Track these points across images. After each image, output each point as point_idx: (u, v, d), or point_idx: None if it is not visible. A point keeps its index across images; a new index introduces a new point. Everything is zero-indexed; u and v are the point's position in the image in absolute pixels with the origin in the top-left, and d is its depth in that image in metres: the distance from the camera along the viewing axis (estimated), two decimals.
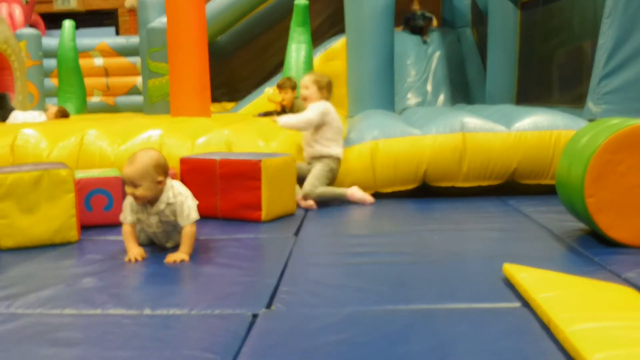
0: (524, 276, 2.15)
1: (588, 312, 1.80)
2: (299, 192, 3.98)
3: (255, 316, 2.01)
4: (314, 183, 4.00)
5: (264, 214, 3.53)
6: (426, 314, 2.00)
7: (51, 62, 9.68)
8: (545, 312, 1.84)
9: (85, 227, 3.27)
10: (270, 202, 3.55)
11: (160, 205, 2.81)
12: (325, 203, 4.01)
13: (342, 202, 4.05)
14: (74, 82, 8.90)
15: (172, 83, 5.66)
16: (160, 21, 7.21)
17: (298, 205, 3.93)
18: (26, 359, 1.73)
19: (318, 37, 9.02)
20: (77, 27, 9.08)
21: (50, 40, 10.12)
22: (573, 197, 2.93)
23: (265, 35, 10.19)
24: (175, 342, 1.82)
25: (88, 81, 9.50)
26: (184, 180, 3.71)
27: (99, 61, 10.35)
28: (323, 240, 3.23)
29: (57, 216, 3.06)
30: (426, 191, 4.30)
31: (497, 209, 3.79)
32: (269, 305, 2.11)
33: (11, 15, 10.12)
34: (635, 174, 2.75)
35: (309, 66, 7.03)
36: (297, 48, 7.28)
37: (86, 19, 13.04)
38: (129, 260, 2.73)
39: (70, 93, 8.85)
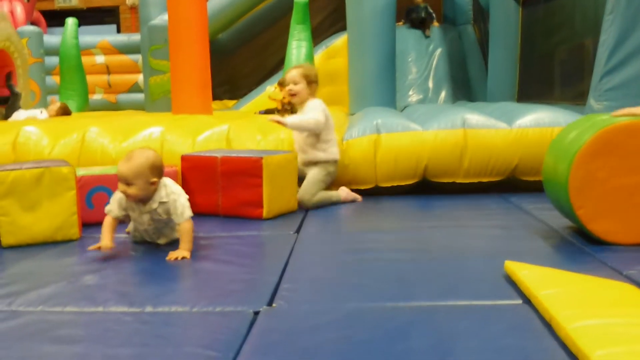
0: (526, 273, 2.14)
1: (590, 309, 1.80)
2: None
3: (256, 313, 2.01)
4: (311, 191, 3.82)
5: (266, 212, 3.52)
6: (427, 311, 2.00)
7: (52, 60, 9.68)
8: (546, 309, 1.84)
9: (86, 225, 3.27)
10: (271, 200, 3.54)
11: (153, 204, 2.80)
12: None
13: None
14: (76, 80, 8.90)
15: (173, 80, 5.66)
16: (162, 19, 7.20)
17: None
18: (28, 356, 1.73)
19: (319, 35, 9.02)
20: (79, 24, 9.07)
21: (52, 38, 10.12)
22: (564, 210, 2.96)
23: (266, 32, 10.20)
24: (176, 340, 1.82)
25: (89, 79, 9.50)
26: (185, 178, 3.72)
27: (100, 59, 10.36)
28: (324, 238, 3.23)
29: (59, 213, 3.06)
30: (426, 187, 4.31)
31: (498, 206, 3.78)
32: (270, 303, 2.11)
33: (13, 13, 10.12)
34: (617, 174, 2.75)
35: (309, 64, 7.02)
36: (297, 45, 7.28)
37: (87, 17, 13.04)
38: (94, 248, 2.74)
39: (73, 91, 8.86)
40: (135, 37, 9.99)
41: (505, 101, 6.22)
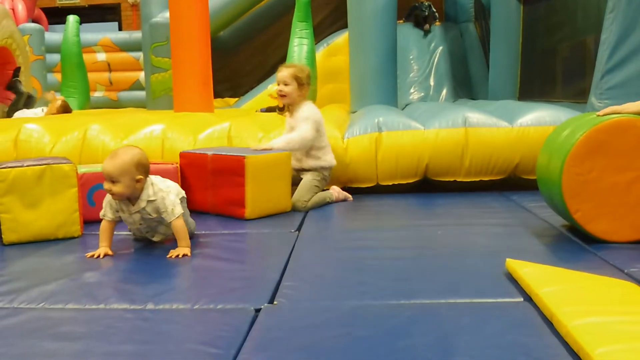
0: (527, 271, 2.15)
1: (591, 307, 1.80)
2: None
3: (257, 311, 2.01)
4: (305, 197, 3.74)
5: (248, 212, 3.46)
6: (429, 309, 2.00)
7: (54, 57, 9.68)
8: (547, 307, 1.84)
9: (88, 222, 3.27)
10: (255, 200, 3.47)
11: (141, 203, 2.79)
12: None
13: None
14: (78, 78, 8.89)
15: (175, 78, 5.66)
16: (163, 16, 7.19)
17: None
18: (29, 353, 1.74)
19: (320, 32, 9.00)
20: (80, 22, 9.06)
21: (53, 35, 10.11)
22: (559, 211, 2.97)
23: (267, 30, 10.18)
24: (178, 337, 1.83)
25: (91, 76, 9.48)
26: (183, 174, 3.73)
27: (101, 56, 10.35)
28: (325, 236, 3.23)
29: (60, 211, 3.07)
30: (427, 185, 4.31)
31: (499, 204, 3.79)
32: (271, 300, 2.11)
33: (14, 10, 10.11)
34: (608, 173, 2.75)
35: (311, 61, 7.01)
36: (299, 43, 7.27)
37: (89, 14, 13.02)
38: (92, 256, 2.72)
39: (74, 88, 8.84)
40: (137, 35, 9.98)
41: (506, 99, 6.21)
